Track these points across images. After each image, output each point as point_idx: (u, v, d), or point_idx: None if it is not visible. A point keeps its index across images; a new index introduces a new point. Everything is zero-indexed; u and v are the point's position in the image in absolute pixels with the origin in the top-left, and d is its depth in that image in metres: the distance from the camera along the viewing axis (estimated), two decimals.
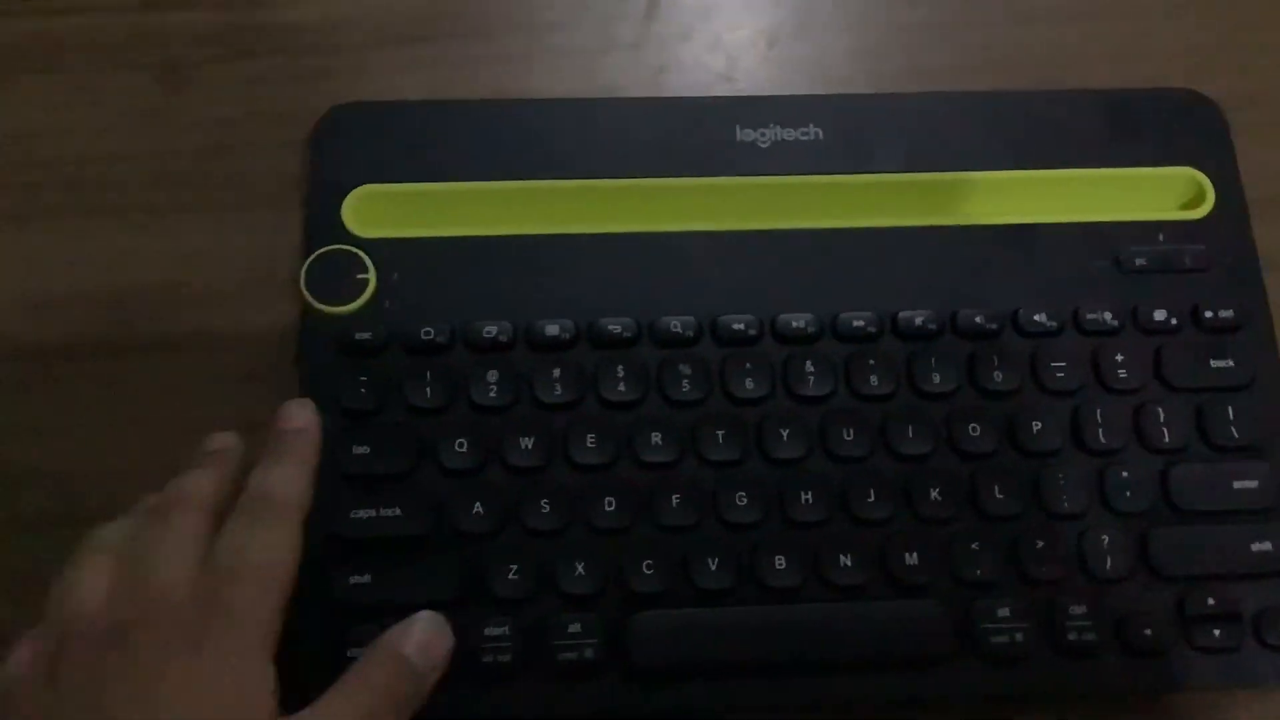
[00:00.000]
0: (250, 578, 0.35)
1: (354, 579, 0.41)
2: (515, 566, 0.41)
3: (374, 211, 0.46)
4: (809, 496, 0.42)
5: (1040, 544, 0.42)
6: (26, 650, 0.35)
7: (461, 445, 0.42)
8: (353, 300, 0.44)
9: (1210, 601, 0.42)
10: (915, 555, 0.42)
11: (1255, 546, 0.43)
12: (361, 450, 0.42)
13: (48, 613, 0.35)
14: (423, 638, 0.37)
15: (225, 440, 0.40)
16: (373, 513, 0.41)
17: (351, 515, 0.41)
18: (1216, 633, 0.41)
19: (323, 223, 0.45)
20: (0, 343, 0.45)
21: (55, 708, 0.33)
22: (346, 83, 0.49)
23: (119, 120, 0.49)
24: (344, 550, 0.41)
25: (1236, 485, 0.43)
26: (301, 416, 0.40)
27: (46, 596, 0.36)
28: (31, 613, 0.36)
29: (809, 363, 0.44)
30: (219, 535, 0.36)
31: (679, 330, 0.44)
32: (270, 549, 0.36)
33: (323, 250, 0.45)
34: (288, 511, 0.37)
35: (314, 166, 0.47)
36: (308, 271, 0.44)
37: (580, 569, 0.41)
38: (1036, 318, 0.45)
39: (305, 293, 0.44)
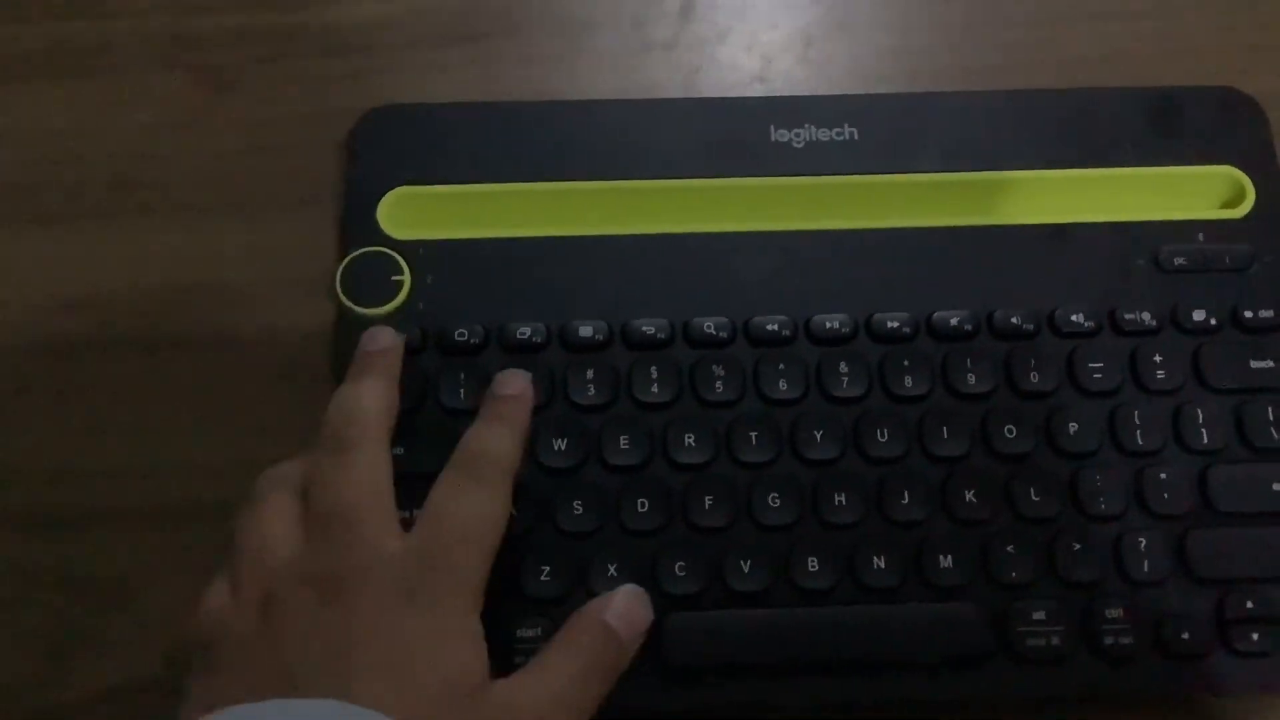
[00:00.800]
0: (467, 536, 0.36)
1: None
2: (547, 567, 0.41)
3: (409, 213, 0.46)
4: (843, 498, 0.42)
5: (1077, 546, 0.42)
6: (223, 592, 0.35)
7: None
8: (388, 302, 0.44)
9: (1249, 605, 0.41)
10: (950, 557, 0.41)
11: None
12: (396, 451, 0.42)
13: (238, 554, 0.36)
14: (625, 608, 0.37)
15: (386, 338, 0.41)
16: (405, 514, 0.41)
17: None
18: (1255, 636, 0.41)
19: (358, 224, 0.46)
20: (40, 340, 0.46)
21: (274, 651, 0.33)
22: (384, 84, 0.50)
23: (159, 121, 0.49)
24: None
25: (1276, 487, 0.43)
26: (516, 384, 0.40)
27: (233, 537, 0.36)
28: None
29: (843, 363, 0.44)
30: (434, 489, 0.37)
31: (713, 331, 0.44)
32: (485, 508, 0.37)
33: (358, 252, 0.45)
34: (501, 472, 0.38)
35: (350, 168, 0.47)
36: (343, 273, 0.45)
37: (613, 570, 0.41)
38: (1074, 318, 0.44)
39: (341, 294, 0.44)
